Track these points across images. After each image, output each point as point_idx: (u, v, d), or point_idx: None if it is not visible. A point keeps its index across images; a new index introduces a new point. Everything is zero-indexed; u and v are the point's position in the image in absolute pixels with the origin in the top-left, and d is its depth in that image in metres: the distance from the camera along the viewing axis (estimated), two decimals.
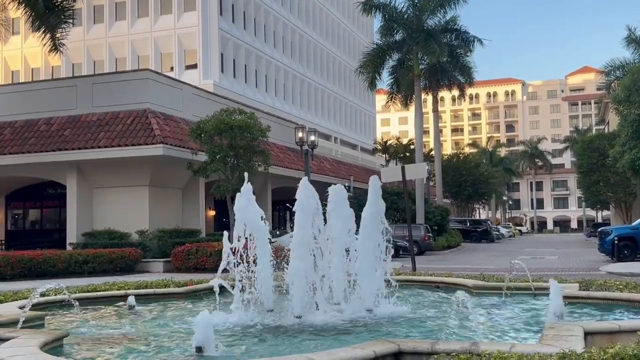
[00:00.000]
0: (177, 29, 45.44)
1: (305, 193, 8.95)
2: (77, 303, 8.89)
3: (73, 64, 47.85)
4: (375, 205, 9.42)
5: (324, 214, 9.12)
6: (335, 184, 9.54)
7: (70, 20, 23.45)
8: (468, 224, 55.56)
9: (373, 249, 9.35)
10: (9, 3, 23.00)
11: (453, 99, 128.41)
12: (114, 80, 27.83)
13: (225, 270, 8.97)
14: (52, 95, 27.39)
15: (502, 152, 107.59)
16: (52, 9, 22.25)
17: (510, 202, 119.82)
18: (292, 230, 9.21)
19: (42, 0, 21.25)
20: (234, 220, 9.31)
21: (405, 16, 38.61)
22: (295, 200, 8.97)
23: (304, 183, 9.04)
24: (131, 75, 28.57)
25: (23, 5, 22.20)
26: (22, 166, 26.13)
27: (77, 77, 35.97)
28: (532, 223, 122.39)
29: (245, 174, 9.28)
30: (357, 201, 12.90)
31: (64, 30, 23.29)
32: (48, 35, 22.87)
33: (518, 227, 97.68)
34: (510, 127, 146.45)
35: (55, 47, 23.13)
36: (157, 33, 45.99)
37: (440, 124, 57.20)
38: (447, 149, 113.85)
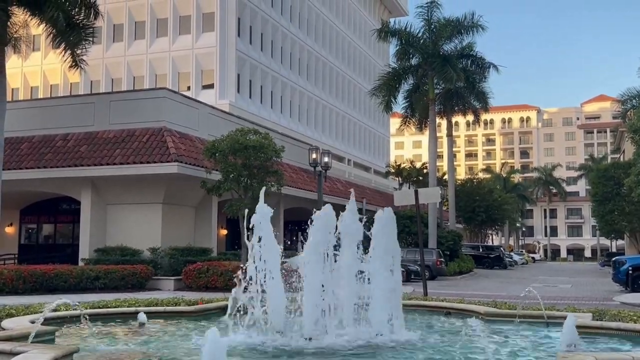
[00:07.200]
0: (195, 49, 45.87)
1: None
2: (87, 319, 8.90)
3: (91, 81, 48.37)
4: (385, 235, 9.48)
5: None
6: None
7: (91, 38, 23.69)
8: (481, 250, 55.21)
9: (385, 274, 9.32)
10: (31, 20, 23.33)
11: (467, 124, 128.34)
12: (131, 98, 28.07)
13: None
14: (70, 112, 27.69)
15: (516, 178, 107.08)
16: (73, 26, 22.52)
17: (524, 229, 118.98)
18: (302, 251, 9.20)
19: (64, 17, 21.52)
20: (246, 239, 9.31)
21: (421, 41, 38.75)
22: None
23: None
24: (148, 94, 28.81)
25: (45, 22, 22.50)
26: (38, 181, 26.35)
27: (95, 94, 36.36)
28: (545, 251, 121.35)
29: (261, 193, 9.27)
30: (370, 224, 12.88)
31: (84, 48, 23.56)
32: (68, 52, 23.12)
33: (531, 255, 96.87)
34: (524, 154, 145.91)
35: (76, 63, 23.36)
36: (175, 52, 46.45)
37: (454, 149, 57.13)
38: (461, 174, 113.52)
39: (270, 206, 9.23)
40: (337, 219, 9.29)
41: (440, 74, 37.67)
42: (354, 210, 9.48)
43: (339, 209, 9.50)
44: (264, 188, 9.39)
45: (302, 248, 9.11)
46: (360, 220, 9.51)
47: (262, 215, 9.07)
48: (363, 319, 9.24)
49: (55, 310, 9.47)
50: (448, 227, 46.17)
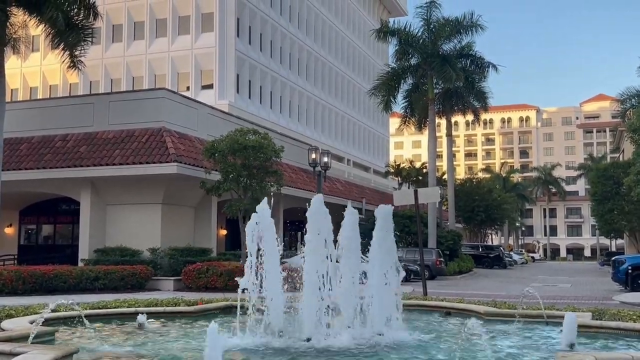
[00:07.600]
0: (194, 49, 45.87)
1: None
2: (87, 320, 8.90)
3: (91, 82, 48.35)
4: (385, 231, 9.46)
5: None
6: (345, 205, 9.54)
7: (90, 39, 23.68)
8: (480, 250, 55.22)
9: (385, 273, 9.32)
10: (30, 20, 23.33)
11: (467, 124, 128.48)
12: (130, 98, 28.06)
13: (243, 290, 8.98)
14: (69, 112, 27.67)
15: (516, 178, 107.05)
16: (72, 27, 22.51)
17: (523, 229, 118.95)
18: (302, 251, 9.20)
19: (63, 18, 21.52)
20: (245, 240, 9.31)
21: (421, 41, 38.73)
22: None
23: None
24: (147, 94, 28.79)
25: (44, 22, 22.49)
26: (37, 181, 26.34)
27: (94, 95, 36.34)
28: (544, 250, 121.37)
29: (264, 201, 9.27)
30: (369, 224, 12.89)
31: (82, 48, 23.55)
32: (67, 53, 23.10)
33: (531, 254, 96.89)
34: (524, 153, 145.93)
35: (74, 64, 23.37)
36: (174, 53, 46.44)
37: (453, 149, 57.15)
38: (461, 174, 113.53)
39: (270, 206, 9.23)
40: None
41: (439, 74, 37.67)
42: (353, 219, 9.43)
43: (338, 209, 9.50)
44: (265, 198, 9.37)
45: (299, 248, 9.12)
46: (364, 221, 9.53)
47: (262, 216, 9.07)
48: (363, 319, 9.23)
49: (54, 310, 9.47)
50: (448, 226, 46.18)
